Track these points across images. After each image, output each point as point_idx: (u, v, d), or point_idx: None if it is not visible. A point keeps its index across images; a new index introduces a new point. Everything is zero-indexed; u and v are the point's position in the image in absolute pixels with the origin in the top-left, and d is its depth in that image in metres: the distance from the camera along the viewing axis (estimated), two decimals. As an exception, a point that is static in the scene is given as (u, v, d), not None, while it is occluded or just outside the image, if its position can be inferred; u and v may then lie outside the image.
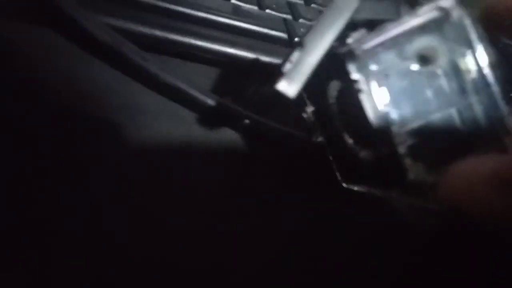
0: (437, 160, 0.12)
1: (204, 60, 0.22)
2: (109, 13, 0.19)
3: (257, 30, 0.23)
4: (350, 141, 0.13)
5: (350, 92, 0.12)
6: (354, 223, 0.19)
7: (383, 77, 0.12)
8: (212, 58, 0.22)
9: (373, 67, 0.12)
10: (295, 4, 0.26)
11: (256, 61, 0.22)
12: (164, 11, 0.21)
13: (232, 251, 0.16)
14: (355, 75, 0.12)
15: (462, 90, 0.12)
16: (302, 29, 0.24)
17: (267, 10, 0.25)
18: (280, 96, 0.12)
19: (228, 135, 0.20)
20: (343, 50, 0.13)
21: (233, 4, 0.24)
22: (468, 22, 0.12)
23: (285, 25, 0.24)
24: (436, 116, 0.12)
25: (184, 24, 0.21)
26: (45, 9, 0.18)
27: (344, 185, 0.15)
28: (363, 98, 0.12)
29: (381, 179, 0.13)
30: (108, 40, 0.18)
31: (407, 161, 0.12)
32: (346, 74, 0.12)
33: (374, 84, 0.12)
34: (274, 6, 0.25)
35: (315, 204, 0.19)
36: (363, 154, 0.14)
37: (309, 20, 0.25)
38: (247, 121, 0.19)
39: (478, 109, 0.12)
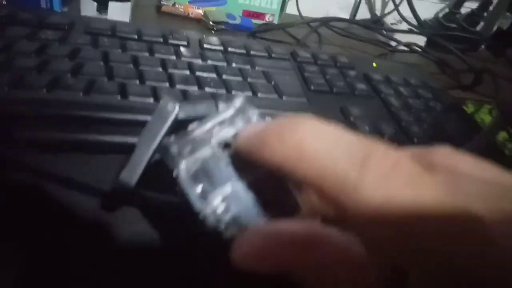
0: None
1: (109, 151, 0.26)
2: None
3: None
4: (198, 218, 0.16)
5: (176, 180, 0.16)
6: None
7: (197, 162, 0.16)
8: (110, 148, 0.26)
9: (189, 156, 0.16)
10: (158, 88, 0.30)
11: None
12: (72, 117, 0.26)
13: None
14: (170, 165, 0.16)
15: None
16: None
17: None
18: (123, 184, 0.16)
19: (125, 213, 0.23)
20: (162, 146, 0.16)
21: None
22: (253, 116, 0.16)
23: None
24: (238, 186, 0.15)
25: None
26: None
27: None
28: (181, 182, 0.15)
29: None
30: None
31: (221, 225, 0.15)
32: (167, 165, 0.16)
33: (190, 169, 0.16)
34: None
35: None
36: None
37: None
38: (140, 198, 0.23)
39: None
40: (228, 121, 0.17)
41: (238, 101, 0.17)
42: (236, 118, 0.17)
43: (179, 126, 0.17)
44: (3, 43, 0.30)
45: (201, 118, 0.17)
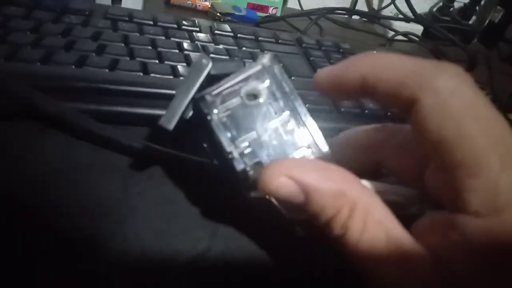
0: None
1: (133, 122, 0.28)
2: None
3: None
4: (228, 157, 0.18)
5: (207, 125, 0.18)
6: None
7: (227, 111, 0.18)
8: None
9: (220, 105, 0.18)
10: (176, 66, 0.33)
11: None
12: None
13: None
14: (206, 111, 0.18)
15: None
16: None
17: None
18: (162, 128, 0.18)
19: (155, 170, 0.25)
20: (198, 96, 0.18)
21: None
22: (278, 72, 0.19)
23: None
24: (263, 131, 0.18)
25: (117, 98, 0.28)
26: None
27: (245, 194, 0.19)
28: (214, 127, 0.18)
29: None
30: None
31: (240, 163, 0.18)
32: (201, 111, 0.18)
33: (221, 116, 0.18)
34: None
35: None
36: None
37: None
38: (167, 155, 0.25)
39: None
40: (255, 75, 0.18)
41: (265, 58, 0.19)
42: (263, 72, 0.19)
43: (212, 81, 0.19)
44: (31, 25, 0.32)
45: (230, 74, 0.19)
